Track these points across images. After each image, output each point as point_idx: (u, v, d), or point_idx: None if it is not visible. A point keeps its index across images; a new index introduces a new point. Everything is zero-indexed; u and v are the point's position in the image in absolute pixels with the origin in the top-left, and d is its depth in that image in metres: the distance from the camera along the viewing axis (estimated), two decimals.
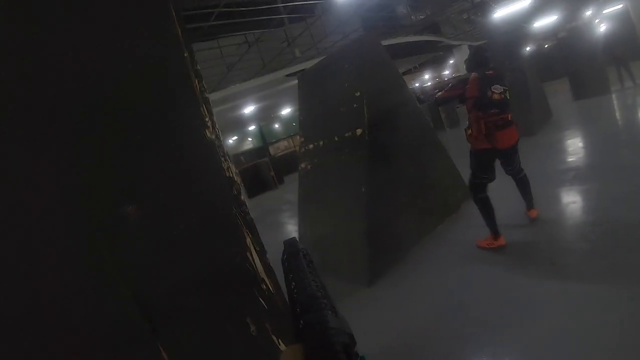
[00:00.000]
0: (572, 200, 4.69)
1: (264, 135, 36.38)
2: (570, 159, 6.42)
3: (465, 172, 4.98)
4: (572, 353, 2.42)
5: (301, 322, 0.41)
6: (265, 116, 30.61)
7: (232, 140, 36.46)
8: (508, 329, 2.85)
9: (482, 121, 3.87)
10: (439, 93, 4.38)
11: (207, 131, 1.05)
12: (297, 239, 0.59)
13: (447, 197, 5.54)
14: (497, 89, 3.82)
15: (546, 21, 19.33)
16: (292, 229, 6.77)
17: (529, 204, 4.50)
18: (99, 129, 0.93)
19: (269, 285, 1.04)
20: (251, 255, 1.03)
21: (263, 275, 1.04)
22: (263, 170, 18.47)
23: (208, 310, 0.97)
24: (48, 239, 0.90)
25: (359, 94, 4.83)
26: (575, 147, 7.13)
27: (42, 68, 0.90)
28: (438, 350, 2.94)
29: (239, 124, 29.76)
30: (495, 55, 8.90)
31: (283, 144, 34.42)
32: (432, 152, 5.59)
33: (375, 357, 3.12)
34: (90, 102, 0.94)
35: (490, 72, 3.98)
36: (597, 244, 3.51)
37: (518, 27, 10.61)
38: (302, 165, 5.93)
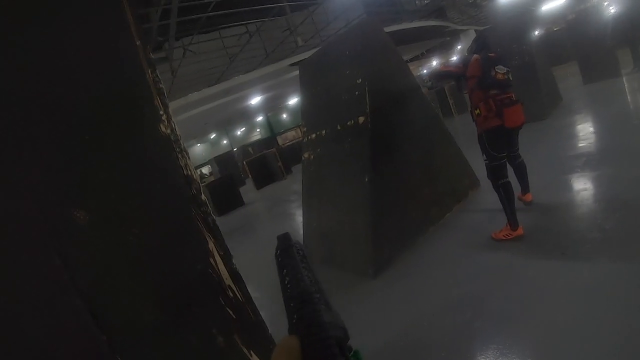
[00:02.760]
0: (583, 187, 4.54)
1: (271, 125, 36.44)
2: (581, 144, 6.24)
3: (474, 160, 4.86)
4: (583, 347, 2.32)
5: (295, 316, 0.42)
6: (272, 106, 30.63)
7: (240, 131, 36.59)
8: (517, 322, 2.76)
9: (490, 99, 3.82)
10: (439, 66, 4.37)
11: (161, 125, 0.95)
12: (291, 234, 0.57)
13: (454, 185, 5.40)
14: (501, 69, 3.78)
15: (554, 4, 18.96)
16: (299, 220, 6.70)
17: (525, 188, 4.54)
18: (48, 128, 0.84)
19: (237, 292, 0.94)
20: (214, 260, 0.93)
21: (229, 282, 0.94)
22: (270, 160, 18.42)
23: (169, 322, 0.88)
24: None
25: (360, 80, 4.70)
26: (585, 131, 6.93)
27: None
28: (445, 344, 2.86)
29: (246, 115, 29.79)
30: (502, 40, 8.71)
31: (291, 134, 34.49)
32: (438, 138, 5.45)
33: (379, 351, 3.06)
34: (37, 101, 0.85)
35: (492, 54, 3.94)
36: (610, 233, 3.37)
37: (526, 10, 10.36)
38: (306, 155, 5.84)
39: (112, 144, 0.90)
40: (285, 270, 0.49)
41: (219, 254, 0.95)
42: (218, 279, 0.93)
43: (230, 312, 0.92)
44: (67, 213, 0.85)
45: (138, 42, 0.95)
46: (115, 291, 0.86)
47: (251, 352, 0.92)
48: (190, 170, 0.97)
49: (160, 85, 0.98)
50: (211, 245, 0.94)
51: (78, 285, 0.84)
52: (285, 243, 0.54)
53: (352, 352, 0.42)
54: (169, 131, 0.96)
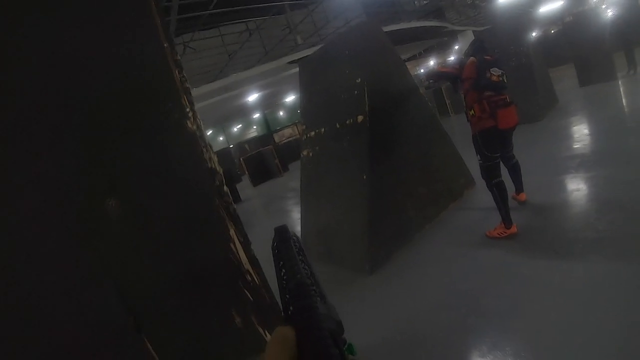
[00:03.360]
0: (577, 188, 4.63)
1: (268, 123, 36.35)
2: (576, 145, 6.33)
3: (470, 160, 4.94)
4: (575, 344, 2.38)
5: (290, 308, 0.42)
6: (270, 104, 30.54)
7: (236, 128, 36.48)
8: (511, 319, 2.82)
9: (485, 100, 3.90)
10: (436, 67, 4.49)
11: (188, 122, 1.02)
12: (288, 226, 0.59)
13: (450, 184, 5.49)
14: (496, 71, 3.87)
15: (552, 6, 19.03)
16: (295, 217, 6.76)
17: (519, 188, 4.65)
18: (79, 125, 0.90)
19: (254, 276, 1.02)
20: (235, 246, 1.00)
21: (248, 266, 1.01)
22: (267, 157, 18.44)
23: (192, 304, 0.95)
24: (32, 236, 0.88)
25: (359, 80, 4.77)
26: (581, 133, 7.03)
27: (21, 67, 0.88)
28: (439, 340, 2.91)
29: (243, 112, 29.71)
30: (500, 41, 8.79)
31: (288, 132, 34.43)
32: (435, 138, 5.52)
33: (374, 347, 3.11)
34: (69, 99, 0.91)
35: (489, 57, 4.03)
36: (603, 233, 3.45)
37: (523, 12, 10.44)
38: (304, 152, 5.90)
39: (141, 138, 0.96)
40: (281, 262, 0.50)
41: (239, 241, 1.01)
42: (238, 263, 1.00)
43: (248, 295, 0.99)
44: (99, 204, 0.92)
45: (166, 45, 1.02)
46: (142, 277, 0.92)
47: (266, 332, 0.99)
48: (214, 163, 1.04)
49: (187, 85, 1.05)
50: (232, 232, 1.01)
51: (108, 269, 0.90)
52: (282, 235, 0.55)
53: (346, 345, 0.42)
54: (194, 127, 1.03)
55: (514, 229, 4.00)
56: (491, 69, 3.87)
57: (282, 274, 0.49)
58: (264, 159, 18.48)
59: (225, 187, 1.04)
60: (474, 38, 4.56)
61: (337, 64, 5.21)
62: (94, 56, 0.95)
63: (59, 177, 0.90)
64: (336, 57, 5.26)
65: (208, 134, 34.45)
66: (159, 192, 0.97)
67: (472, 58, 4.09)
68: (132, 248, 0.93)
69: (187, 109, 1.03)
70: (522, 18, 9.80)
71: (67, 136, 0.91)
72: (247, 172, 18.89)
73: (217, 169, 1.03)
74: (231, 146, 29.59)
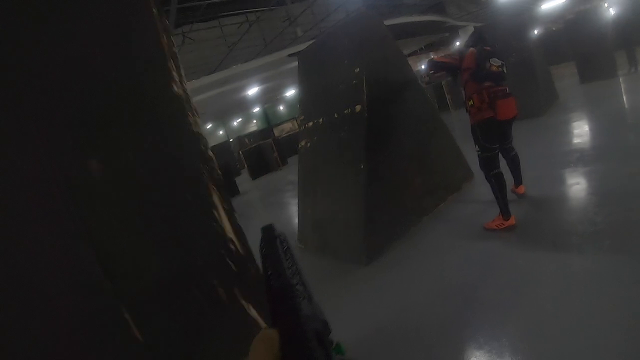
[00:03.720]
0: (575, 182, 4.60)
1: (268, 117, 36.31)
2: (575, 140, 6.30)
3: (469, 154, 4.90)
4: (572, 336, 2.35)
5: (275, 310, 0.42)
6: (269, 98, 30.52)
7: (236, 122, 36.44)
8: (508, 310, 2.80)
9: (484, 91, 3.86)
10: (434, 57, 4.44)
11: (174, 85, 0.99)
12: (274, 225, 0.56)
13: (448, 176, 5.45)
14: (496, 61, 3.84)
15: (554, 3, 18.95)
16: (293, 210, 6.73)
17: (518, 181, 4.60)
18: (59, 84, 0.87)
19: (238, 247, 0.98)
20: (218, 213, 0.97)
21: (231, 235, 0.98)
22: (266, 151, 18.40)
23: (173, 271, 0.91)
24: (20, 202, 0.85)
25: (358, 70, 4.73)
26: (580, 129, 7.00)
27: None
28: (435, 332, 2.88)
29: (243, 106, 29.67)
30: (501, 36, 8.74)
31: (287, 126, 34.39)
32: (434, 129, 5.48)
33: (369, 337, 3.08)
34: (49, 56, 0.88)
35: (488, 47, 4.00)
36: (600, 226, 3.42)
37: (525, 8, 10.39)
38: (302, 143, 5.86)
39: (126, 100, 0.93)
40: (267, 262, 0.49)
41: (223, 208, 0.98)
42: (221, 231, 0.97)
43: (232, 265, 0.96)
44: (82, 163, 0.88)
45: (155, 10, 0.99)
46: (122, 238, 0.89)
47: (250, 306, 0.96)
48: (199, 128, 1.00)
49: (174, 49, 1.02)
50: (216, 198, 0.97)
51: (89, 233, 0.87)
52: (269, 234, 0.54)
53: (334, 346, 0.42)
54: (180, 91, 1.00)
55: (512, 221, 3.96)
56: (491, 59, 3.83)
57: (268, 274, 0.48)
58: (262, 153, 18.44)
59: (210, 152, 1.00)
60: (475, 29, 4.53)
61: (336, 54, 5.17)
62: (82, 19, 0.91)
63: (42, 134, 0.86)
64: (335, 47, 5.22)
65: (208, 127, 34.53)
66: (142, 152, 0.93)
67: (471, 48, 4.06)
68: (114, 209, 0.90)
69: (174, 72, 1.00)
70: (523, 14, 9.72)
71: (51, 94, 0.88)
72: (246, 166, 18.85)
73: (202, 133, 1.00)
74: (231, 140, 29.50)
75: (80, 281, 0.87)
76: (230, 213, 1.00)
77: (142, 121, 0.95)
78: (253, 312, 0.97)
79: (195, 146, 0.99)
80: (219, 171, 1.02)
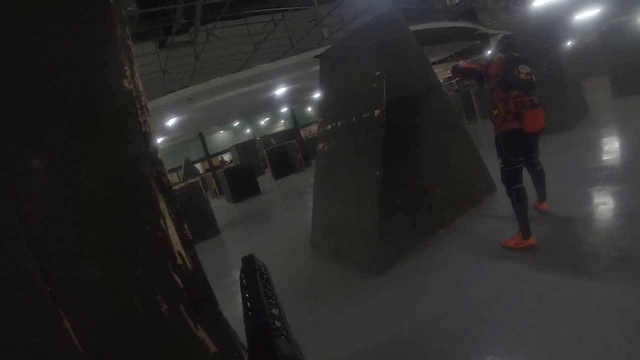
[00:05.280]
0: (602, 201, 4.35)
1: (295, 118, 36.50)
2: (605, 157, 6.01)
3: (492, 166, 4.71)
4: None
5: (252, 348, 0.42)
6: (298, 99, 30.69)
7: (264, 121, 36.77)
8: (518, 333, 2.65)
9: (511, 100, 3.67)
10: (461, 62, 4.28)
11: (124, 81, 0.90)
12: (255, 256, 0.59)
13: (469, 188, 5.26)
14: (525, 68, 3.61)
15: (588, 14, 18.40)
16: (310, 212, 6.64)
17: (541, 197, 4.39)
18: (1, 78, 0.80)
19: (187, 260, 0.88)
20: (165, 223, 0.87)
21: (179, 247, 0.88)
22: (291, 152, 18.40)
23: (112, 280, 0.83)
24: None
25: (378, 73, 4.60)
26: (610, 145, 6.68)
27: None
28: (440, 349, 2.77)
29: (270, 106, 29.88)
30: (531, 45, 8.46)
31: (315, 128, 34.47)
32: (456, 138, 5.30)
33: (371, 351, 2.98)
34: None
35: (517, 54, 3.81)
36: (626, 251, 3.20)
37: (558, 18, 10.04)
38: (320, 146, 5.77)
39: (71, 95, 0.85)
40: (247, 294, 0.50)
41: (171, 217, 0.89)
42: (167, 242, 0.87)
43: (178, 280, 0.87)
44: (24, 161, 0.81)
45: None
46: (61, 241, 0.81)
47: (198, 325, 0.86)
48: (149, 128, 0.91)
49: (128, 42, 0.94)
50: (163, 206, 0.88)
51: (28, 232, 0.79)
52: (249, 266, 0.54)
53: None
54: (131, 87, 0.91)
55: (532, 241, 3.76)
56: (519, 66, 3.62)
57: (247, 307, 0.49)
58: (287, 153, 18.45)
59: (159, 155, 0.91)
60: (503, 35, 4.35)
61: (358, 56, 5.05)
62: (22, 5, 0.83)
63: None
64: (357, 49, 5.11)
65: (235, 125, 34.94)
66: (86, 152, 0.84)
67: (499, 54, 3.88)
68: (52, 209, 0.82)
69: (125, 67, 0.92)
70: (556, 23, 9.39)
71: None
72: (269, 165, 18.90)
73: (152, 133, 0.91)
74: (257, 139, 29.72)
75: (18, 284, 0.80)
76: (178, 223, 0.90)
77: (87, 119, 0.86)
78: (201, 333, 0.87)
79: (144, 147, 0.90)
80: (168, 176, 0.92)
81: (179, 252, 0.89)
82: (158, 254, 0.87)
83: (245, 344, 0.44)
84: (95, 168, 0.85)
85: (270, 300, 0.48)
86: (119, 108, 0.89)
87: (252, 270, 0.53)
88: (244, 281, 0.52)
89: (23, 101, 0.83)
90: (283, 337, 0.43)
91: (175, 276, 0.87)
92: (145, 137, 0.90)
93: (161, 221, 0.87)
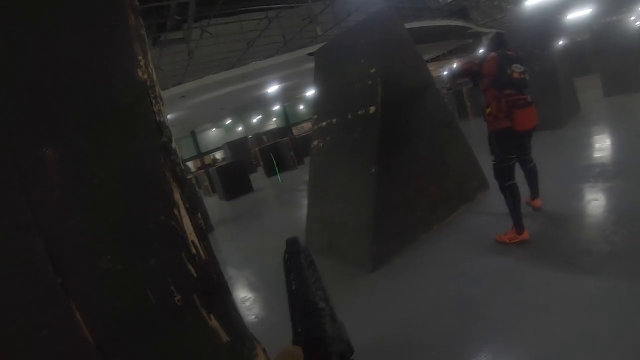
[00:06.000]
0: (594, 198, 4.42)
1: (287, 115, 36.43)
2: (596, 154, 6.09)
3: (485, 163, 4.75)
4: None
5: (299, 328, 0.43)
6: (289, 96, 30.66)
7: (256, 119, 36.65)
8: (514, 328, 2.68)
9: (503, 99, 3.70)
10: (455, 64, 4.32)
11: (138, 71, 0.91)
12: (299, 239, 0.59)
13: (462, 185, 5.30)
14: (518, 67, 3.64)
15: (580, 13, 18.55)
16: (303, 209, 6.64)
17: (534, 194, 4.46)
18: (13, 68, 0.80)
19: (200, 250, 0.89)
20: (179, 212, 0.88)
21: (193, 237, 0.89)
22: (283, 149, 18.35)
23: (125, 271, 0.83)
24: None
25: (374, 70, 4.62)
26: (602, 143, 6.76)
27: None
28: (436, 345, 2.80)
29: (262, 104, 29.80)
30: (524, 44, 8.53)
31: (307, 125, 34.51)
32: (450, 136, 5.34)
33: (370, 347, 3.00)
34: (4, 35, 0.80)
35: (510, 52, 3.82)
36: (619, 246, 3.26)
37: (550, 17, 10.10)
38: (314, 143, 5.77)
39: (84, 85, 0.85)
40: (292, 276, 0.50)
41: (185, 207, 0.89)
42: (181, 232, 0.88)
43: (192, 270, 0.87)
44: (36, 151, 0.81)
45: None
46: (73, 232, 0.81)
47: (211, 315, 0.87)
48: (163, 117, 0.92)
49: (142, 32, 0.94)
50: (177, 196, 0.89)
51: (38, 221, 0.79)
52: (294, 248, 0.55)
53: None
54: (145, 76, 0.92)
55: (525, 235, 3.81)
56: (512, 65, 3.65)
57: (292, 289, 0.49)
58: (279, 151, 18.39)
59: (173, 144, 0.92)
60: (495, 32, 4.34)
61: (353, 53, 5.07)
62: None
63: None
64: (352, 47, 5.12)
65: (227, 123, 34.82)
66: (99, 142, 0.85)
67: (492, 53, 3.88)
68: (65, 200, 0.82)
69: (139, 57, 0.92)
70: (548, 22, 9.46)
71: (6, 79, 0.80)
72: (261, 163, 18.84)
73: (166, 123, 0.91)
74: (249, 136, 29.63)
75: (29, 275, 0.80)
76: (192, 213, 0.91)
77: (101, 109, 0.87)
78: (214, 323, 0.88)
79: (158, 137, 0.90)
80: (182, 166, 0.93)
81: (192, 242, 0.90)
82: (172, 244, 0.88)
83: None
84: (108, 158, 0.86)
85: (315, 282, 0.49)
86: (133, 98, 0.90)
87: (296, 252, 0.54)
88: (288, 263, 0.53)
89: (36, 91, 0.83)
90: (329, 317, 0.43)
91: (189, 266, 0.88)
92: (159, 127, 0.91)
93: (175, 211, 0.88)
